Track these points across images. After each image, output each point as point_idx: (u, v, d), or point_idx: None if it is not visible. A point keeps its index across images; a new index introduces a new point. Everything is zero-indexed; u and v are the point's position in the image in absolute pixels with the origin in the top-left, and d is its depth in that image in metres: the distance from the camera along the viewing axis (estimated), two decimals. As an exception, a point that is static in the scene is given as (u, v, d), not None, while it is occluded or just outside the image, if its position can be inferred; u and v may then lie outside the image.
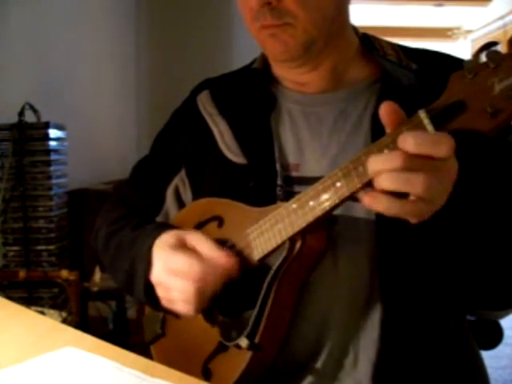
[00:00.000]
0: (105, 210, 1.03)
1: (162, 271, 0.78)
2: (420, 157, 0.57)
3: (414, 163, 0.57)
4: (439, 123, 0.60)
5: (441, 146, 0.57)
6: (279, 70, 0.90)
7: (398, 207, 0.59)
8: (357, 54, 0.88)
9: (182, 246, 0.78)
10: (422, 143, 0.57)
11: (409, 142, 0.58)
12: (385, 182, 0.59)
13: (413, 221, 0.63)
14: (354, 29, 0.90)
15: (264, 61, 0.93)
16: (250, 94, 0.91)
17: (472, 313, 0.89)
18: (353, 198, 0.66)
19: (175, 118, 1.01)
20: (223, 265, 0.74)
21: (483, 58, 0.59)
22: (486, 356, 0.89)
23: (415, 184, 0.57)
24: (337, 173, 0.66)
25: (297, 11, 0.78)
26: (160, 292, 0.80)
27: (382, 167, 0.59)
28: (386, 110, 0.61)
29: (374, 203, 0.60)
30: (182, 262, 0.76)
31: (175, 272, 0.76)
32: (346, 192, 0.65)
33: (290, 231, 0.72)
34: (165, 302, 0.80)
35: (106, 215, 1.00)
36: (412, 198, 0.59)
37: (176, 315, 0.87)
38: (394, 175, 0.58)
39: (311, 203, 0.69)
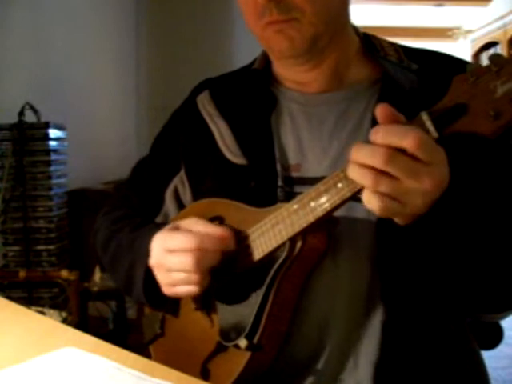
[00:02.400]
0: (104, 210, 1.03)
1: (160, 253, 0.79)
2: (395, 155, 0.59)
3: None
4: (441, 125, 0.60)
5: (407, 135, 0.58)
6: (280, 70, 0.90)
7: (375, 203, 0.61)
8: (357, 53, 0.88)
9: (178, 228, 0.80)
10: (389, 132, 0.59)
11: (379, 131, 0.60)
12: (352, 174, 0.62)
13: (398, 221, 0.65)
14: (355, 29, 0.90)
15: (265, 61, 0.92)
16: (251, 95, 0.90)
17: (472, 315, 0.89)
18: (354, 198, 0.66)
19: (175, 119, 1.01)
20: (218, 235, 0.76)
21: (484, 59, 0.59)
22: (486, 356, 0.89)
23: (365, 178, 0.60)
24: (338, 174, 0.66)
25: (304, 5, 0.77)
26: (161, 277, 0.80)
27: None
28: (382, 113, 0.61)
29: (364, 198, 0.62)
30: (177, 239, 0.77)
31: (173, 250, 0.77)
32: (347, 193, 0.65)
33: (291, 231, 0.72)
34: (166, 288, 0.80)
35: (106, 216, 1.00)
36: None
37: (175, 314, 0.87)
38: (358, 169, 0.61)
39: (312, 204, 0.69)
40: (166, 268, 0.79)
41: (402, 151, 0.59)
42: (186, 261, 0.75)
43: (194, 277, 0.75)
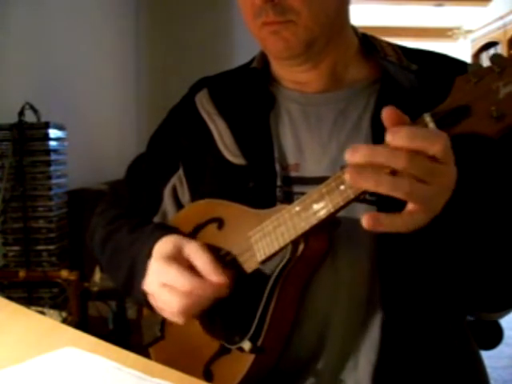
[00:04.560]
0: (101, 209, 1.02)
1: (153, 282, 0.79)
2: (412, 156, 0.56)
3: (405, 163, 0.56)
4: (444, 127, 0.60)
5: (436, 142, 0.56)
6: (279, 69, 0.90)
7: (399, 223, 0.59)
8: (356, 54, 0.88)
9: (178, 257, 0.78)
10: (415, 136, 0.56)
11: (402, 134, 0.57)
12: (368, 183, 0.58)
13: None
14: (354, 29, 0.90)
15: (263, 60, 0.92)
16: (249, 94, 0.90)
17: (471, 314, 0.89)
18: (357, 199, 0.66)
19: (172, 117, 1.00)
20: (214, 282, 0.74)
21: (484, 59, 0.59)
22: (486, 356, 0.89)
23: (401, 188, 0.57)
24: (340, 175, 0.66)
25: (300, 8, 0.77)
26: (152, 300, 0.81)
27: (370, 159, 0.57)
28: (389, 115, 0.60)
29: (376, 226, 0.59)
30: (172, 275, 0.76)
31: (165, 285, 0.77)
32: (350, 195, 0.64)
33: (293, 234, 0.72)
34: (157, 309, 0.81)
35: (103, 215, 1.00)
36: (409, 208, 0.59)
37: None
38: (378, 177, 0.57)
39: (315, 206, 0.69)
40: (156, 298, 0.79)
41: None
42: (175, 303, 0.75)
43: (180, 315, 0.76)
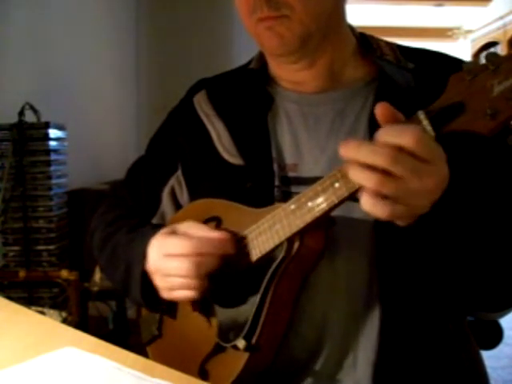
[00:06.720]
0: (100, 211, 1.03)
1: (157, 258, 0.79)
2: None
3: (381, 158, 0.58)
4: (438, 124, 0.60)
5: (405, 133, 0.58)
6: (276, 69, 0.90)
7: (379, 208, 0.60)
8: (354, 53, 0.88)
9: (175, 233, 0.80)
10: (387, 132, 0.59)
11: (378, 132, 0.60)
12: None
13: (399, 223, 0.64)
14: (351, 28, 0.90)
15: (261, 61, 0.92)
16: (247, 94, 0.91)
17: (471, 314, 0.89)
18: (352, 198, 0.66)
19: (171, 119, 1.01)
20: (217, 239, 0.75)
21: (482, 59, 0.59)
22: (486, 356, 0.89)
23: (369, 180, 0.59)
24: (335, 173, 0.66)
25: (294, 3, 0.77)
26: (159, 281, 0.80)
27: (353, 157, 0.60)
28: (382, 112, 0.61)
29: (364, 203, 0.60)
30: (175, 243, 0.77)
31: (170, 255, 0.77)
32: (344, 193, 0.65)
33: (288, 232, 0.72)
34: (165, 292, 0.80)
35: (102, 217, 1.00)
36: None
37: (173, 316, 0.87)
38: (369, 173, 0.59)
39: (310, 204, 0.69)
40: (163, 273, 0.79)
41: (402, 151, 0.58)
42: (184, 266, 0.75)
43: (192, 282, 0.75)
